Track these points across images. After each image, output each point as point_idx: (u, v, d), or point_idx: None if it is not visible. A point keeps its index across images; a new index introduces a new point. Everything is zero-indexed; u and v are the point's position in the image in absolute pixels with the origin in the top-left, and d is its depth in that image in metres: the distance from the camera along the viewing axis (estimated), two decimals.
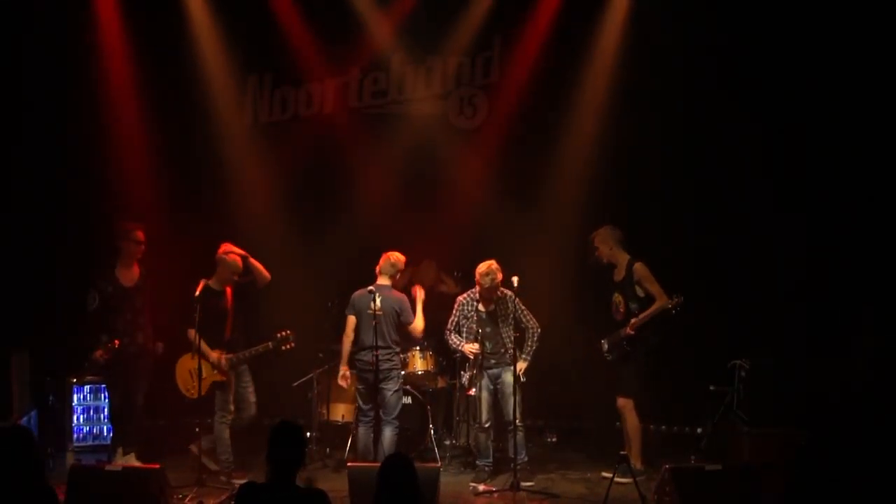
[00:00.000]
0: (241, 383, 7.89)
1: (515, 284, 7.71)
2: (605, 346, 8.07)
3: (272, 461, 4.64)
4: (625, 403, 7.93)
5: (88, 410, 8.61)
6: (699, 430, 8.75)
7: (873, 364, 7.88)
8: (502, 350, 7.86)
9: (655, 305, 7.73)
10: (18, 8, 8.85)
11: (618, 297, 7.96)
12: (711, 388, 8.30)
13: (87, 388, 8.62)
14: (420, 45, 9.52)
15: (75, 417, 8.56)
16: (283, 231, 9.09)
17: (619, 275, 7.96)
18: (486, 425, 7.94)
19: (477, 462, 8.10)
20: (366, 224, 9.17)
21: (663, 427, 9.23)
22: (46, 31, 8.92)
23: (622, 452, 7.26)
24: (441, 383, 8.80)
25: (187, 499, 7.16)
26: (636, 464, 7.64)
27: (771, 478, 7.07)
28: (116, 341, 7.82)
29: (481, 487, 7.72)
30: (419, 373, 8.59)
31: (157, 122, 9.22)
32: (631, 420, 7.93)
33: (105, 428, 8.60)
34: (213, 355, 7.71)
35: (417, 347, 8.54)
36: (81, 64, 9.07)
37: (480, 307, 7.92)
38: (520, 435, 7.79)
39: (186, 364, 7.80)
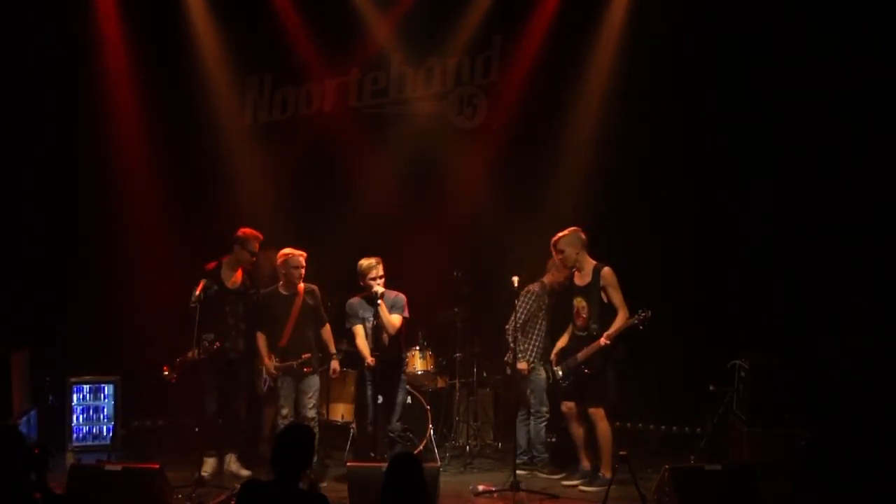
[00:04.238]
0: (303, 393, 7.88)
1: (516, 285, 7.72)
2: (560, 373, 7.87)
3: (277, 460, 4.66)
4: (595, 412, 7.69)
5: (88, 410, 8.59)
6: (699, 430, 8.75)
7: (863, 361, 7.90)
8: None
9: (619, 322, 7.53)
10: (17, 8, 8.84)
11: (580, 302, 7.73)
12: (711, 388, 8.32)
13: (86, 387, 8.59)
14: (420, 45, 9.51)
15: (75, 417, 8.54)
16: (282, 230, 9.07)
17: (584, 279, 7.72)
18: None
19: (537, 457, 8.18)
20: (365, 223, 9.17)
21: (663, 427, 9.22)
22: (46, 31, 8.92)
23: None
24: (441, 383, 8.80)
25: (187, 499, 7.16)
26: (605, 472, 7.54)
27: (771, 478, 7.09)
28: (218, 343, 7.69)
29: (481, 487, 7.71)
30: (419, 373, 8.58)
31: (156, 122, 9.22)
32: (602, 428, 7.70)
33: (105, 428, 8.59)
34: (266, 360, 7.90)
35: (417, 347, 8.55)
36: (82, 64, 9.06)
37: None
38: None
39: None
